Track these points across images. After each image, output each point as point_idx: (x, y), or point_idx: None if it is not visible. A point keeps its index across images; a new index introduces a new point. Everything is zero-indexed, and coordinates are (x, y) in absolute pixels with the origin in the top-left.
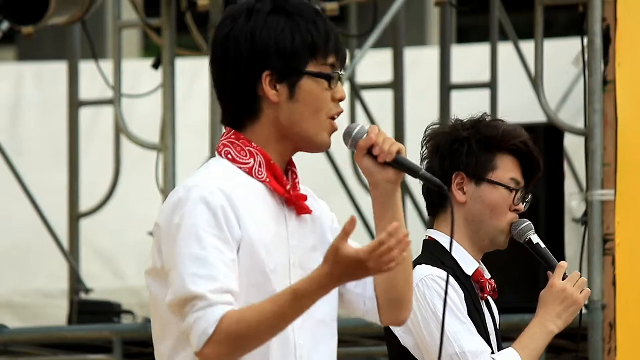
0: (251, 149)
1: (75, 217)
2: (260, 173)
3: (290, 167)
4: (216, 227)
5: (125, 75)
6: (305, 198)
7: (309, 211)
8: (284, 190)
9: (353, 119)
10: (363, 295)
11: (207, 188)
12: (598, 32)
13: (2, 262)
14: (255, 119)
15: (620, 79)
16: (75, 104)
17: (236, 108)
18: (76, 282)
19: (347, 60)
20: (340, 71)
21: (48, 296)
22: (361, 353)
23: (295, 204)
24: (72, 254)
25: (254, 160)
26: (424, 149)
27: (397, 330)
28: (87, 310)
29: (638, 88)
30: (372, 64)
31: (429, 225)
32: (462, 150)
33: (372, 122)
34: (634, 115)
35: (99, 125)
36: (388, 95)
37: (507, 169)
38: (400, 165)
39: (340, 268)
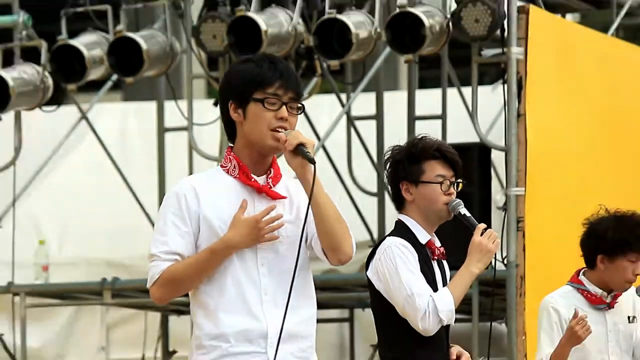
0: (230, 156)
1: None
2: (233, 172)
3: (271, 166)
4: (178, 209)
5: (195, 110)
6: (266, 188)
7: (278, 196)
8: (250, 182)
9: (349, 142)
10: (318, 248)
11: (181, 184)
12: (514, 81)
13: (120, 236)
14: (235, 136)
15: (529, 113)
16: (161, 130)
17: (226, 129)
18: None
19: (344, 99)
20: (290, 99)
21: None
22: (355, 297)
23: (265, 192)
24: None
25: (231, 164)
26: (385, 168)
27: (373, 279)
28: None
29: (541, 118)
30: (362, 102)
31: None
32: (399, 166)
33: (362, 143)
34: (537, 137)
35: (178, 145)
36: (373, 124)
37: (432, 170)
38: (299, 153)
39: (238, 230)
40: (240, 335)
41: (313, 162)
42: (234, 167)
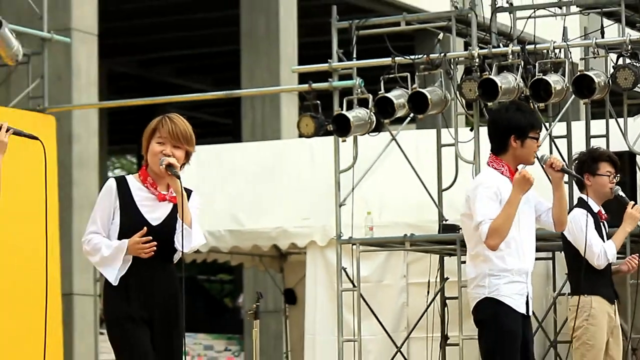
0: (502, 162)
1: (440, 190)
2: (505, 173)
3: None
4: (493, 194)
5: (459, 134)
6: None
7: None
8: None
9: (550, 151)
10: (548, 220)
11: (487, 179)
12: None
13: (415, 208)
14: (505, 152)
15: None
16: (439, 146)
17: (497, 147)
18: (442, 217)
19: (547, 126)
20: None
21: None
22: (555, 245)
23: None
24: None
25: (503, 168)
26: (573, 165)
27: (566, 233)
28: (448, 227)
29: None
30: (558, 128)
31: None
32: (584, 164)
33: (559, 151)
34: None
35: (449, 154)
36: (564, 141)
37: (604, 168)
38: (563, 171)
39: (520, 187)
40: (517, 270)
41: (576, 177)
42: (506, 170)
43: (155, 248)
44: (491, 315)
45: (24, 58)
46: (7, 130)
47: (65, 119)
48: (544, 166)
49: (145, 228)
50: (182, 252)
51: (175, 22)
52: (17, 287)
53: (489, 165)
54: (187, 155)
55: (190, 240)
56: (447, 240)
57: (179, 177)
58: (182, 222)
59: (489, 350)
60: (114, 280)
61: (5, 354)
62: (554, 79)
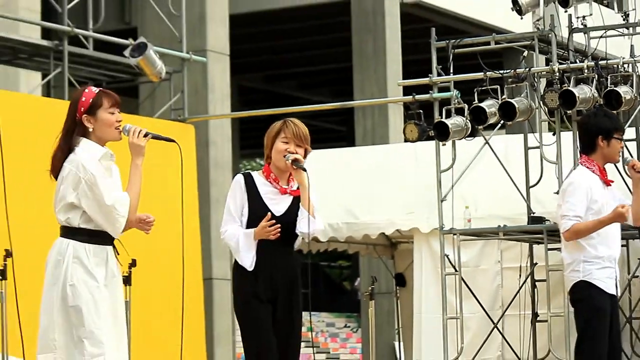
0: (593, 162)
1: (527, 187)
2: (596, 172)
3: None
4: (584, 193)
5: (544, 138)
6: (608, 181)
7: (609, 183)
8: (605, 178)
9: (622, 154)
10: (628, 216)
11: (579, 178)
12: None
13: (503, 201)
14: (594, 151)
15: None
16: (526, 149)
17: (586, 148)
18: (530, 211)
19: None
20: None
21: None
22: (624, 234)
23: (608, 184)
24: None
25: (593, 167)
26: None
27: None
28: (535, 219)
29: None
30: (628, 132)
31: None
32: None
33: (630, 153)
34: None
35: (533, 156)
36: (634, 144)
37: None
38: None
39: (615, 216)
40: (607, 257)
41: None
42: (596, 169)
43: (280, 230)
44: (586, 296)
45: (166, 75)
46: (146, 136)
47: (203, 127)
48: (626, 167)
49: (269, 214)
50: (308, 237)
51: (296, 43)
52: (164, 275)
53: (582, 164)
54: (305, 154)
55: (313, 226)
56: (535, 230)
57: (305, 170)
58: (308, 211)
59: (584, 325)
60: (249, 266)
61: (157, 332)
62: (623, 90)
